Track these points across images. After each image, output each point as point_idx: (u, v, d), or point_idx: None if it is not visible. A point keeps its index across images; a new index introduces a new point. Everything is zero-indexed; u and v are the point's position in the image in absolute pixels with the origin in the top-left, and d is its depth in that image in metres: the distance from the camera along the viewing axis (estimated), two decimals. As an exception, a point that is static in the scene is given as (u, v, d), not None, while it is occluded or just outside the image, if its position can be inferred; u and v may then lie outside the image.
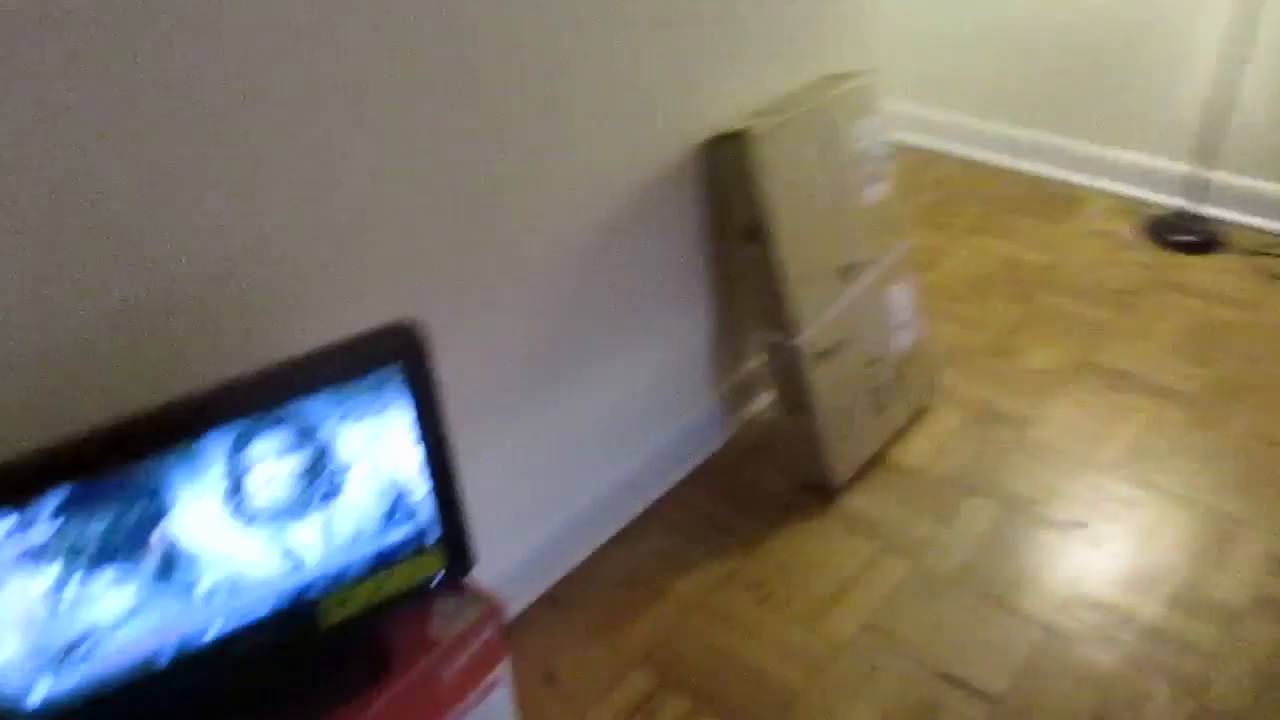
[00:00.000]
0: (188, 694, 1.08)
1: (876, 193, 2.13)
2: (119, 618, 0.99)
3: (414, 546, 1.17)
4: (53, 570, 0.93)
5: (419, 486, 1.14)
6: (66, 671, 0.98)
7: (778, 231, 1.87)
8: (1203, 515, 2.00)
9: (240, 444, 0.98)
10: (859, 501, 2.07)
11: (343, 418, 1.04)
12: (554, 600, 1.87)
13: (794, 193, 1.90)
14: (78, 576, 0.95)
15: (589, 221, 1.71)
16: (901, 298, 2.21)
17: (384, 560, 1.15)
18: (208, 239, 1.16)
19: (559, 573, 1.91)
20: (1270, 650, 1.72)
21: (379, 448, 1.09)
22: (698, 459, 2.18)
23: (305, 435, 1.03)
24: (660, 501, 2.09)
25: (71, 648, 0.97)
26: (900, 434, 2.23)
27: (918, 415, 2.28)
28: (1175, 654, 1.72)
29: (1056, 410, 2.29)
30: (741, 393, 2.26)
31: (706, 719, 1.64)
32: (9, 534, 0.89)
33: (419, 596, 1.21)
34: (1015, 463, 2.15)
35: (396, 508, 1.14)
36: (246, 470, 1.00)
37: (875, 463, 2.16)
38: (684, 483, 2.13)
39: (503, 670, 1.29)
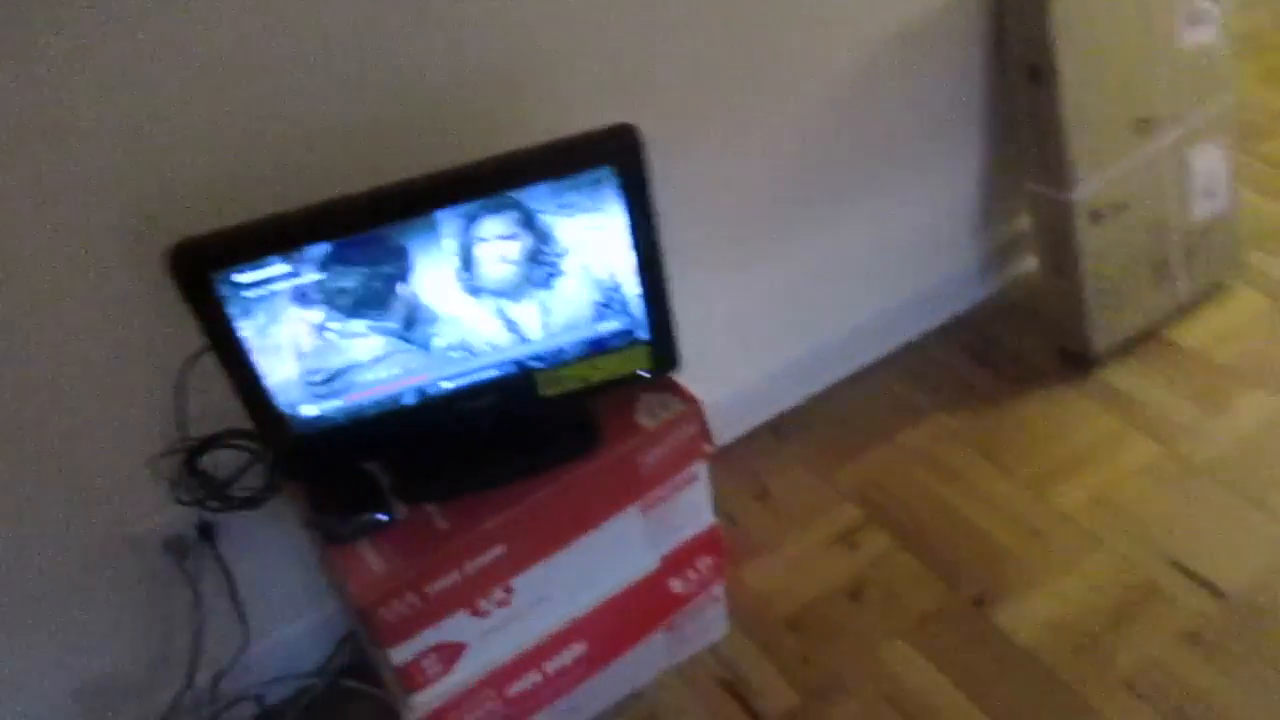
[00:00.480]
0: (427, 434, 1.27)
1: (1199, 36, 1.88)
2: (371, 359, 1.17)
3: (624, 340, 1.26)
4: (319, 312, 1.12)
5: (632, 286, 1.23)
6: (330, 397, 1.18)
7: (1063, 72, 1.72)
8: None
9: (469, 222, 1.11)
10: (1119, 377, 1.93)
11: (560, 210, 1.14)
12: (779, 427, 1.94)
13: (1089, 28, 1.73)
14: (338, 320, 1.13)
15: (857, 48, 1.66)
16: (1210, 161, 1.97)
17: (596, 348, 1.26)
18: (468, 39, 1.28)
19: (789, 402, 1.97)
20: None
21: (594, 244, 1.18)
22: (950, 312, 2.12)
23: (528, 223, 1.14)
24: (903, 349, 2.07)
25: (334, 377, 1.17)
26: (1186, 312, 2.03)
27: (1211, 295, 2.06)
28: None
29: (1389, 308, 1.99)
30: (1009, 249, 2.14)
31: (909, 558, 1.67)
32: (282, 276, 1.08)
33: (627, 386, 1.31)
34: (1319, 359, 1.91)
35: (609, 302, 1.23)
36: (475, 246, 1.13)
37: (1149, 339, 1.99)
38: (931, 334, 2.09)
39: (700, 468, 1.39)
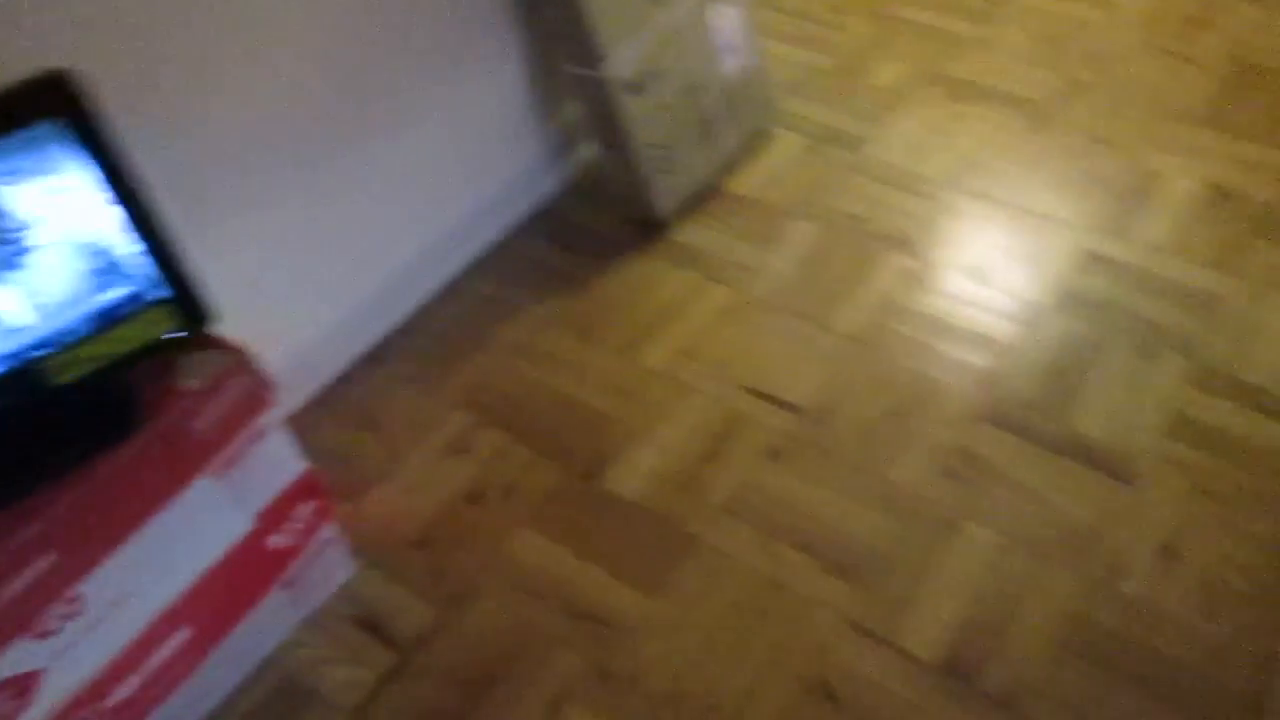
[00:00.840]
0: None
1: (688, -97, 1.98)
2: None
3: (139, 305, 1.16)
4: None
5: (127, 246, 1.13)
6: None
7: (566, -47, 1.76)
8: (1024, 218, 2.02)
9: (-120, 210, 0.96)
10: (687, 234, 2.07)
11: (5, 179, 1.01)
12: (378, 354, 1.90)
13: (582, -93, 1.77)
14: None
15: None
16: (728, 19, 2.11)
17: (108, 319, 1.15)
18: None
19: (383, 327, 1.93)
20: (1063, 342, 1.79)
21: (63, 209, 1.06)
22: (528, 204, 2.15)
23: (-35, 197, 1.01)
24: (489, 250, 2.08)
25: None
26: (734, 163, 2.20)
27: (753, 142, 2.24)
28: (979, 353, 1.78)
29: (898, 127, 2.26)
30: (572, 133, 2.20)
31: (521, 449, 1.72)
32: None
33: (158, 353, 1.22)
34: (848, 183, 2.14)
35: (105, 268, 1.13)
36: (-99, 237, 0.98)
37: (707, 194, 2.14)
38: (514, 229, 2.12)
39: (270, 416, 1.33)
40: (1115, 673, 1.37)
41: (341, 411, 1.80)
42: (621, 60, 1.89)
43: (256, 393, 1.29)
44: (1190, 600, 1.43)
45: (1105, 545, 1.51)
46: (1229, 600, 1.43)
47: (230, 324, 1.40)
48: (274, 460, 1.36)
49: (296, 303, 1.74)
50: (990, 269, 1.93)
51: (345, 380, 1.86)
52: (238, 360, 1.27)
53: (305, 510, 1.43)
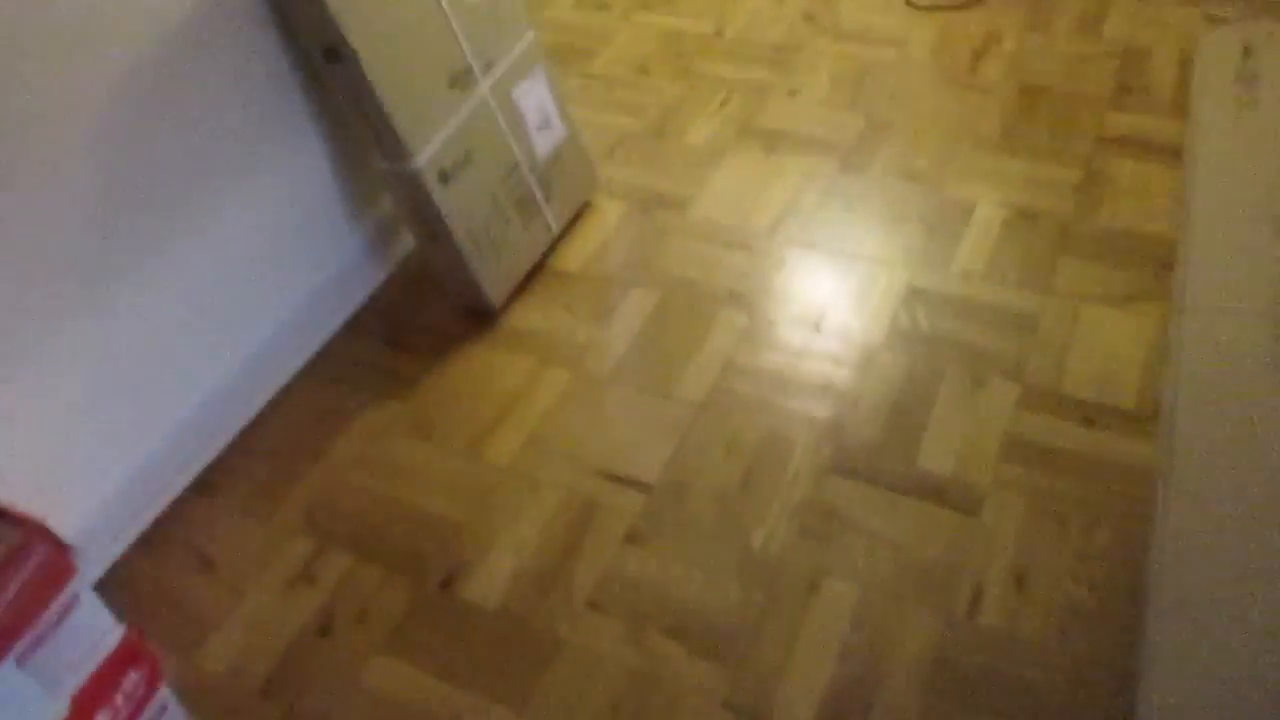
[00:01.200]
0: None
1: (478, -12, 1.97)
2: None
3: (-99, 494, 1.05)
4: None
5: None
6: None
7: (359, 49, 1.71)
8: (848, 262, 2.06)
9: None
10: (521, 318, 2.03)
11: None
12: (206, 485, 1.79)
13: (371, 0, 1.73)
14: None
15: (126, 65, 1.51)
16: (535, 95, 2.10)
17: None
18: None
19: (207, 455, 1.81)
20: (899, 380, 1.82)
21: None
22: (353, 304, 2.08)
23: None
24: (316, 356, 2.00)
25: None
26: (560, 239, 2.19)
27: (576, 216, 2.23)
28: (822, 404, 1.80)
29: (715, 184, 2.29)
30: (389, 227, 2.14)
31: (370, 569, 1.63)
32: None
33: (-68, 542, 1.10)
34: (675, 247, 2.15)
35: None
36: None
37: (536, 274, 2.11)
38: (340, 332, 2.04)
39: (75, 584, 1.21)
40: (983, 710, 1.38)
41: (169, 554, 1.68)
42: (429, 151, 1.85)
43: (55, 564, 1.18)
44: (1045, 624, 1.47)
45: (960, 580, 1.53)
46: (1081, 618, 1.47)
47: (21, 482, 1.28)
48: (86, 632, 1.24)
49: (100, 441, 1.62)
50: (822, 317, 1.96)
51: (171, 518, 1.73)
52: (29, 532, 1.16)
53: (132, 679, 1.31)
